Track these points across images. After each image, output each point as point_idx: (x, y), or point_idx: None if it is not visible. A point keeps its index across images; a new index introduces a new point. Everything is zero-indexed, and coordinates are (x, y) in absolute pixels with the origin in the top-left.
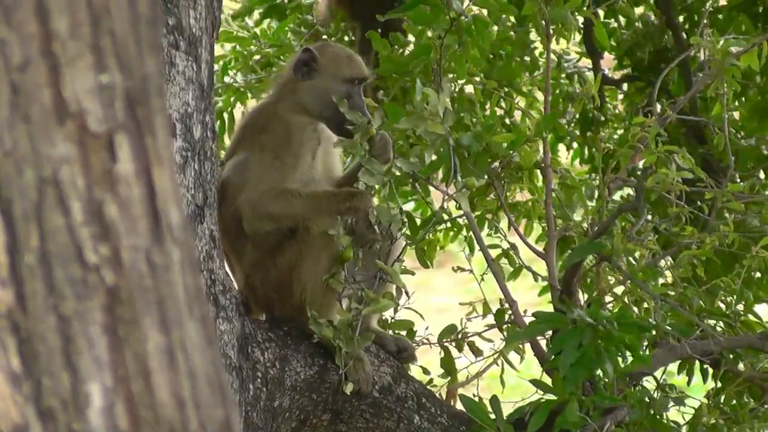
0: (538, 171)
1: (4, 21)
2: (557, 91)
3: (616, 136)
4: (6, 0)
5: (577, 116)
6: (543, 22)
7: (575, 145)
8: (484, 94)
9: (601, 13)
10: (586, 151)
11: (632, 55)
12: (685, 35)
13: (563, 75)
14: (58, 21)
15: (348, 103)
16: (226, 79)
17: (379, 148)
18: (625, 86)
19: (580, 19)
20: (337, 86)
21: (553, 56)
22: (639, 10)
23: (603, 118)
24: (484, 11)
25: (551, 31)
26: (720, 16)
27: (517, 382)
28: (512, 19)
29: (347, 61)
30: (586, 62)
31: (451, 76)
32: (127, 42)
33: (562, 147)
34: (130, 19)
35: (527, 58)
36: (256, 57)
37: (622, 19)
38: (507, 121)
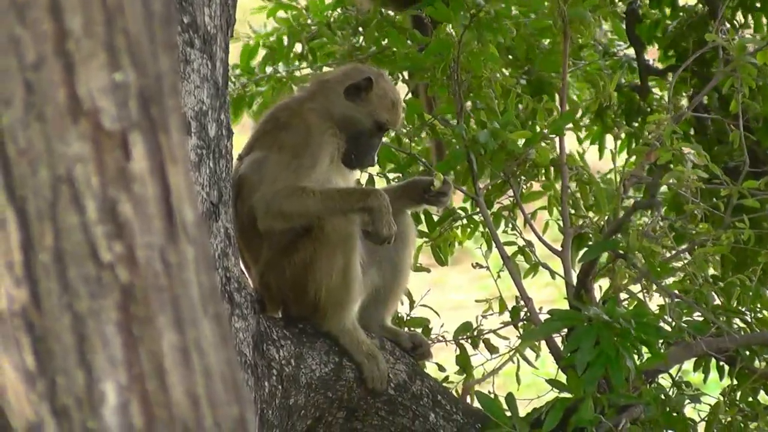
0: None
1: (18, 20)
2: (602, 83)
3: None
4: None
5: (623, 107)
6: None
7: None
8: (504, 93)
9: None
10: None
11: (676, 46)
12: (728, 24)
13: (607, 64)
14: (71, 19)
15: (362, 142)
16: (268, 69)
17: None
18: (669, 76)
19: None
20: (369, 122)
21: (598, 46)
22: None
23: (649, 109)
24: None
25: (569, 31)
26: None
27: (532, 380)
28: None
29: (390, 106)
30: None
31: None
32: (141, 40)
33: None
34: (144, 17)
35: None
36: (311, 28)
37: (666, 10)
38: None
